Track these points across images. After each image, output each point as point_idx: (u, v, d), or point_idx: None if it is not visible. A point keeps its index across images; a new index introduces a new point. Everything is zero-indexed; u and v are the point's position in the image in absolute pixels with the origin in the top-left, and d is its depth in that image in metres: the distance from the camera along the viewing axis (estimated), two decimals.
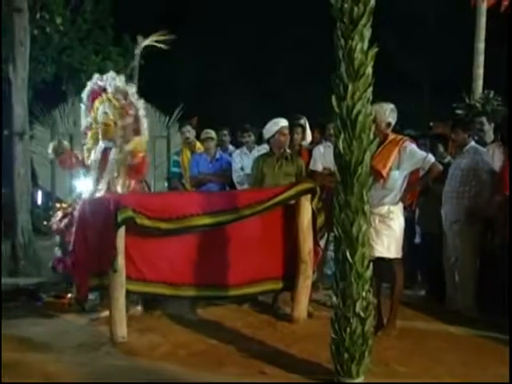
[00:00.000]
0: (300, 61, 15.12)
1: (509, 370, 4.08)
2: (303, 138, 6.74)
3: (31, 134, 9.43)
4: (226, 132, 7.52)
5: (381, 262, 4.92)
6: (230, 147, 7.45)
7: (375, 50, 3.92)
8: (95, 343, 4.81)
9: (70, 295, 5.87)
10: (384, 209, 5.00)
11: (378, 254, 4.91)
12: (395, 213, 5.05)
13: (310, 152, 6.56)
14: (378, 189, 4.91)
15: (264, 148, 6.46)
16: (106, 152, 5.78)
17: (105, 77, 5.79)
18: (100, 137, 5.82)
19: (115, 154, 5.70)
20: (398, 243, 5.09)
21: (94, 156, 5.84)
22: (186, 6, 15.23)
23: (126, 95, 5.73)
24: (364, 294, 3.96)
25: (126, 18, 12.75)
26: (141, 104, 5.80)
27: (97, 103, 5.81)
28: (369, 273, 4.00)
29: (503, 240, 5.32)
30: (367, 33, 3.89)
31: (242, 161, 6.80)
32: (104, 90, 5.77)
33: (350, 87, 3.88)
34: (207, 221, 5.13)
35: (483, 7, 9.09)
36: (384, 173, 4.92)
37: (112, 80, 5.74)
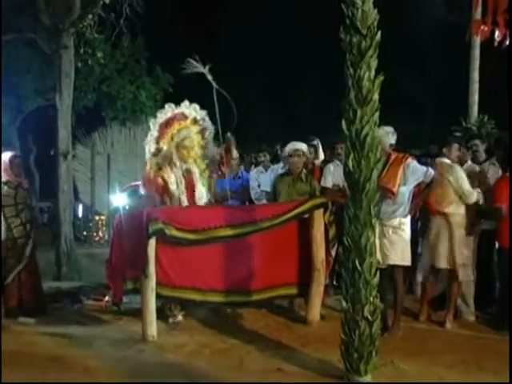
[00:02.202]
0: (318, 86, 15.14)
1: (509, 370, 3.97)
2: (316, 157, 6.73)
3: (73, 154, 9.53)
4: (253, 155, 7.54)
5: (384, 271, 4.90)
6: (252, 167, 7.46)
7: (381, 78, 3.91)
8: (129, 341, 4.81)
9: (107, 298, 5.89)
10: (396, 221, 5.03)
11: (392, 262, 4.98)
12: (406, 224, 5.10)
13: (322, 170, 6.54)
14: (390, 204, 4.97)
15: (279, 167, 6.45)
16: (188, 173, 5.54)
17: (183, 105, 5.59)
18: (177, 159, 5.47)
19: (198, 173, 5.58)
20: (409, 252, 5.11)
21: (174, 178, 5.44)
22: (213, 36, 15.34)
23: (202, 120, 5.63)
24: (372, 299, 3.92)
25: (158, 52, 12.91)
26: (211, 127, 5.68)
27: (174, 130, 5.52)
28: (376, 280, 3.96)
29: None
30: (374, 63, 3.89)
31: (259, 178, 6.79)
32: (185, 117, 5.58)
33: (358, 112, 3.88)
34: (230, 232, 5.11)
35: (477, 41, 9.12)
36: (394, 190, 4.94)
37: (192, 108, 5.60)
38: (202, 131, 5.65)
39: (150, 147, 5.48)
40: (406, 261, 5.07)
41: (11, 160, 5.54)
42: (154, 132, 5.48)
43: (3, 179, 5.44)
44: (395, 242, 5.00)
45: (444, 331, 5.27)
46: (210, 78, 5.55)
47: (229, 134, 5.90)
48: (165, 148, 5.48)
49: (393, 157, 5.03)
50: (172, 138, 5.49)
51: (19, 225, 5.51)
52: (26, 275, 5.56)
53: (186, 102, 5.63)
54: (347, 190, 4.00)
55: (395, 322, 5.09)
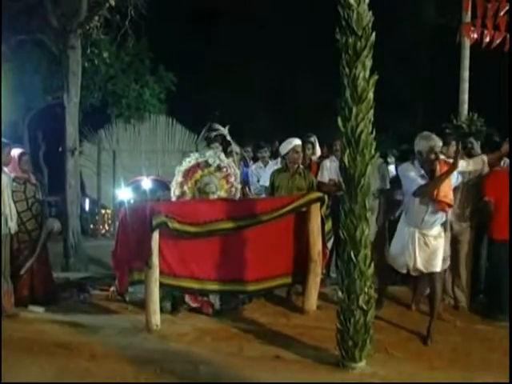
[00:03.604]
0: (313, 85, 15.12)
1: (509, 369, 3.91)
2: (313, 153, 6.72)
3: (80, 150, 9.49)
4: (249, 149, 7.48)
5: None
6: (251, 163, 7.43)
7: (375, 77, 3.90)
8: (133, 329, 4.81)
9: (112, 288, 5.88)
10: (436, 230, 4.78)
11: (437, 270, 4.74)
12: (443, 231, 4.88)
13: (318, 165, 6.52)
14: (432, 213, 4.69)
15: (278, 162, 6.42)
16: None
17: (207, 154, 5.66)
18: None
19: None
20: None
21: None
22: (215, 35, 15.28)
23: (227, 167, 5.64)
24: (366, 289, 3.92)
25: (161, 52, 12.87)
26: (237, 171, 5.77)
27: (198, 176, 5.59)
28: (370, 271, 3.95)
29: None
30: (368, 63, 3.88)
31: (258, 174, 6.76)
32: (208, 165, 5.60)
33: (354, 110, 3.86)
34: (229, 225, 5.11)
35: (467, 43, 9.12)
36: (452, 203, 4.75)
37: (216, 157, 5.62)
38: (227, 177, 5.67)
39: (174, 191, 5.58)
40: (442, 265, 4.88)
41: (20, 157, 5.56)
42: (178, 178, 5.58)
43: (12, 175, 5.44)
44: (437, 249, 4.76)
45: (438, 321, 5.25)
46: (229, 138, 5.91)
47: (246, 189, 6.08)
48: (188, 192, 5.56)
49: (439, 166, 4.69)
50: (195, 183, 5.58)
51: (31, 218, 5.54)
52: (38, 266, 5.58)
53: (211, 152, 5.75)
54: (343, 185, 3.99)
55: (431, 329, 4.69)
